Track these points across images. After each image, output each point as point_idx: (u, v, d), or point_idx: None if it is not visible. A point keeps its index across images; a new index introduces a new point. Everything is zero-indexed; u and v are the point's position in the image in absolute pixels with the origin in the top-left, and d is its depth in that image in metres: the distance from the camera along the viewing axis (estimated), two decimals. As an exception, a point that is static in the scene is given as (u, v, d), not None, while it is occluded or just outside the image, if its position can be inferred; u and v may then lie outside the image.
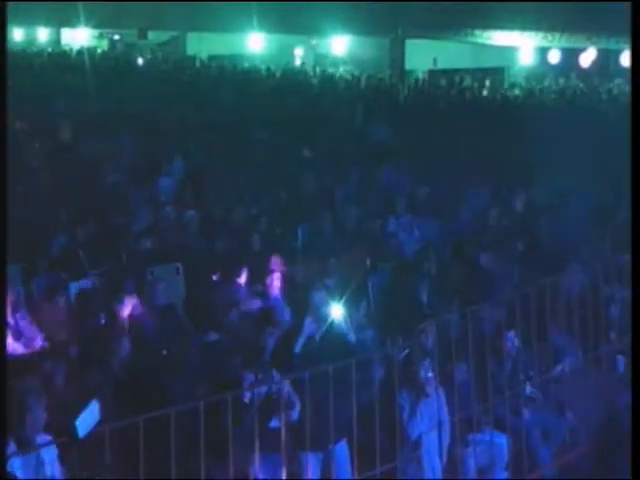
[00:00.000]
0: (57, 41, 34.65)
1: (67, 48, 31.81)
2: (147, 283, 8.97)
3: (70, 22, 31.45)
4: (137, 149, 14.78)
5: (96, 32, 33.78)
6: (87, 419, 5.41)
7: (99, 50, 32.39)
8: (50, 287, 8.77)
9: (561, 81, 26.30)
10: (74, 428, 5.23)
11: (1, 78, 5.51)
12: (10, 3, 7.12)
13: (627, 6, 19.42)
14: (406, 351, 6.87)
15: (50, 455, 5.34)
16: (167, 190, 12.80)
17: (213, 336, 7.71)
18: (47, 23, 33.24)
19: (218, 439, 5.38)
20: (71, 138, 15.10)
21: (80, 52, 29.87)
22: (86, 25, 31.59)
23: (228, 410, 5.33)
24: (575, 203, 11.86)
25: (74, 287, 8.97)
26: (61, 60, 28.78)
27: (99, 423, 5.42)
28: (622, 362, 8.59)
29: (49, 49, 32.28)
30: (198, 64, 28.62)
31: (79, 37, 32.73)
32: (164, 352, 7.20)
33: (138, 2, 28.32)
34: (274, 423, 6.10)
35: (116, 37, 34.44)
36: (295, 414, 6.18)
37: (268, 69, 26.98)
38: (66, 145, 14.73)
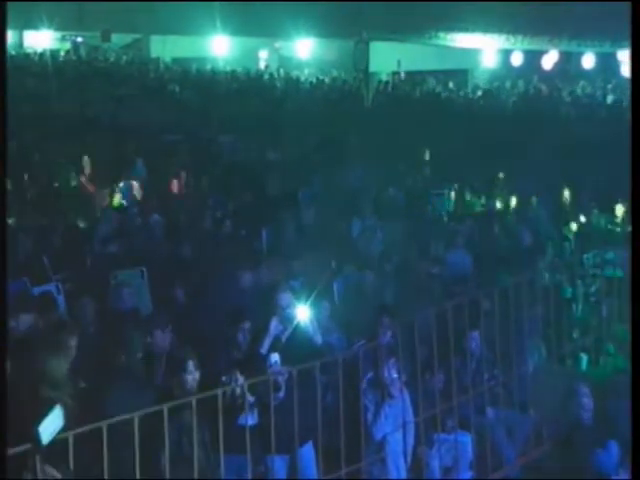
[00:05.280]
0: (19, 44, 34.35)
1: (30, 51, 31.56)
2: (111, 287, 8.93)
3: (33, 24, 31.19)
4: (100, 152, 14.71)
5: (59, 34, 33.52)
6: (50, 425, 5.36)
7: (62, 53, 32.16)
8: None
9: (523, 83, 26.54)
10: (37, 434, 5.18)
11: (1, 78, 5.45)
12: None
13: (588, 8, 19.68)
14: (368, 348, 6.91)
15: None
16: (130, 193, 12.76)
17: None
18: (9, 25, 32.93)
19: (182, 442, 5.37)
20: (34, 141, 15.00)
21: (43, 55, 29.67)
22: (49, 28, 31.37)
23: (192, 413, 5.32)
24: (537, 203, 11.99)
25: (37, 291, 8.90)
26: (23, 63, 28.55)
27: (63, 429, 5.38)
28: (585, 360, 8.72)
29: (12, 52, 31.99)
30: (162, 67, 28.53)
31: (42, 40, 32.47)
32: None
33: (101, 3, 28.16)
34: (239, 425, 6.11)
35: (79, 39, 34.21)
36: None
37: (232, 72, 26.95)
38: (30, 148, 14.62)
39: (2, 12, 5.69)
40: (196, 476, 5.37)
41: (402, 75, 27.21)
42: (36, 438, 4.92)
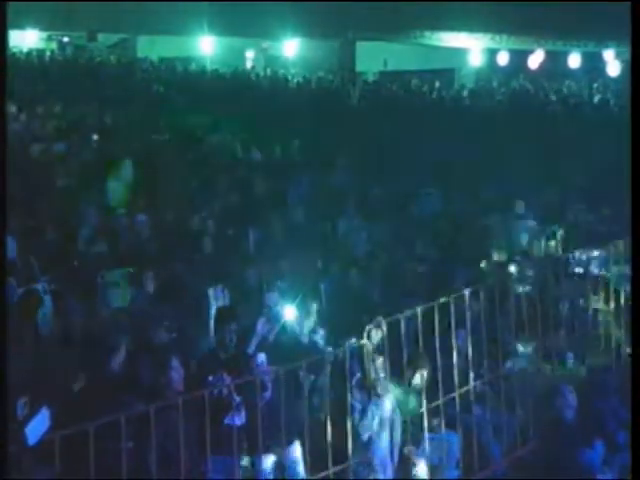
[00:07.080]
0: (5, 43, 34.17)
1: (16, 50, 31.42)
2: (98, 288, 8.93)
3: (18, 24, 31.04)
4: (87, 152, 14.68)
5: (44, 34, 33.39)
6: (37, 426, 5.37)
7: (48, 52, 32.04)
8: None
9: (510, 83, 26.62)
10: (24, 435, 5.19)
11: (1, 78, 5.44)
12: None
13: (574, 8, 19.76)
14: (356, 348, 6.92)
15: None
16: (117, 194, 12.72)
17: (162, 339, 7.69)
18: (-4, 24, 32.68)
19: (169, 443, 5.37)
20: (20, 142, 14.93)
21: (29, 54, 29.55)
22: (34, 27, 31.22)
23: (179, 414, 5.32)
24: (524, 202, 12.00)
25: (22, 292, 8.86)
26: (9, 62, 28.43)
27: (49, 430, 5.38)
28: (571, 358, 8.75)
29: (-3, 51, 31.79)
30: (149, 66, 28.46)
31: (27, 39, 32.34)
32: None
33: (88, 3, 28.06)
34: (227, 425, 6.11)
35: (65, 39, 34.06)
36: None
37: (218, 71, 26.93)
38: (15, 149, 14.54)
39: (2, 12, 5.69)
40: (183, 477, 5.37)
41: (388, 74, 27.25)
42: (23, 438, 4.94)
